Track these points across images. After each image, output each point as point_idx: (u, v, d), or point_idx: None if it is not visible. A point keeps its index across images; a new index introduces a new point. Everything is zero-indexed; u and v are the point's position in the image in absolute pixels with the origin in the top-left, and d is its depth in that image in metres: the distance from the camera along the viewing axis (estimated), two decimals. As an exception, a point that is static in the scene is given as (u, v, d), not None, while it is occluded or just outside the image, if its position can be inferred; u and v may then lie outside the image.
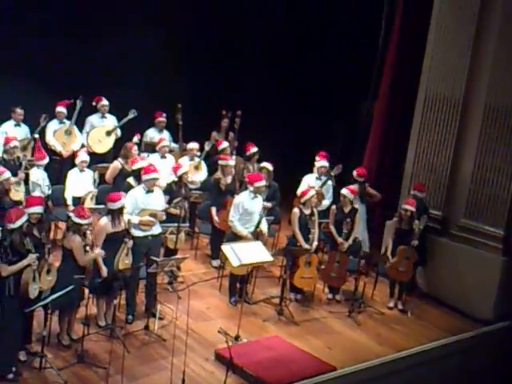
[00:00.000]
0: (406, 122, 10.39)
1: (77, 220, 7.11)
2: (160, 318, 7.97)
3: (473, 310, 9.24)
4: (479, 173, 9.54)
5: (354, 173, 9.92)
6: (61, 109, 10.21)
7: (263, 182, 8.83)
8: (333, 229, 9.17)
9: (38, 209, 6.93)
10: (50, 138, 10.19)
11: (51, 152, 10.00)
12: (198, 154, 10.46)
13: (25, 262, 6.50)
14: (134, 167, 8.91)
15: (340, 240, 9.03)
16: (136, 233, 7.94)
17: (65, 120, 10.27)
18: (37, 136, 10.00)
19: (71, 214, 7.20)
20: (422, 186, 9.63)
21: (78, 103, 10.11)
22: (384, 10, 12.05)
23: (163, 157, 10.13)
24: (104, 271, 7.40)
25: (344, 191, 9.17)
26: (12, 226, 6.51)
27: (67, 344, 7.28)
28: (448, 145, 9.85)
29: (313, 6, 12.34)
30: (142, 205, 8.08)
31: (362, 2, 11.84)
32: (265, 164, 9.85)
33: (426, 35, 9.99)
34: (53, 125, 10.26)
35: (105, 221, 7.59)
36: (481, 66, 9.51)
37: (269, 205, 9.55)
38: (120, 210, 7.68)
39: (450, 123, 9.82)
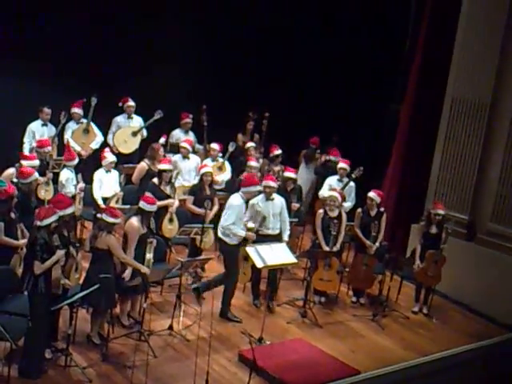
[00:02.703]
0: (432, 125, 10.32)
1: (111, 220, 7.18)
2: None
3: (499, 316, 9.15)
4: (506, 177, 9.46)
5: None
6: (76, 109, 10.23)
7: (256, 188, 8.43)
8: (359, 232, 9.14)
9: (70, 210, 7.03)
10: (68, 140, 10.22)
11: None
12: (220, 154, 10.49)
13: (55, 258, 6.58)
14: (159, 167, 8.98)
15: (368, 243, 9.00)
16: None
17: (82, 120, 10.31)
18: (66, 137, 10.09)
19: (104, 215, 7.25)
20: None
21: (93, 101, 10.11)
22: (411, 12, 12.01)
23: (185, 157, 10.17)
24: (145, 270, 7.38)
25: (371, 194, 9.13)
26: (39, 223, 6.59)
27: (98, 343, 7.31)
28: (475, 149, 9.77)
29: (340, 9, 12.28)
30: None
31: (389, 4, 11.77)
32: (288, 174, 9.76)
33: (453, 38, 9.93)
34: (70, 126, 10.32)
35: (136, 223, 7.58)
36: (509, 69, 9.43)
37: (296, 205, 9.56)
38: (151, 214, 7.73)
39: (476, 127, 9.75)
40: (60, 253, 6.62)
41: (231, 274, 8.24)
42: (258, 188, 8.41)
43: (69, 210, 6.98)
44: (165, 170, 9.01)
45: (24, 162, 8.44)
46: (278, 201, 8.71)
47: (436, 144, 10.25)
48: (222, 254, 8.62)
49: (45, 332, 6.68)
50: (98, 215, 7.50)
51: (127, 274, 7.46)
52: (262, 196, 8.68)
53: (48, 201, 8.33)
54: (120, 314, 7.81)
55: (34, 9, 10.15)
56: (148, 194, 8.82)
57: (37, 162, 8.62)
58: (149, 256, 7.45)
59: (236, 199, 8.23)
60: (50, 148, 9.18)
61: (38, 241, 6.51)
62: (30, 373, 6.59)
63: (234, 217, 8.15)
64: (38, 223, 6.59)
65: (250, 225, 8.32)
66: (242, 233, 8.25)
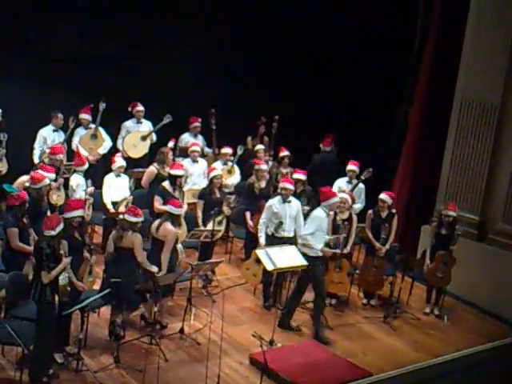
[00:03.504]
0: (442, 126, 10.29)
1: (133, 219, 7.38)
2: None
3: (511, 316, 9.09)
4: (517, 177, 9.42)
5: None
6: (84, 115, 10.24)
7: (335, 199, 8.38)
8: (369, 234, 9.12)
9: (80, 212, 7.09)
10: (75, 146, 10.21)
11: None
12: (232, 158, 10.52)
13: (61, 267, 6.59)
14: (172, 172, 8.99)
15: (378, 245, 8.98)
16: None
17: (90, 125, 10.33)
18: (74, 142, 10.13)
19: (126, 215, 7.44)
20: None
21: (101, 106, 10.15)
22: (420, 13, 11.98)
23: (195, 161, 10.19)
24: (155, 269, 7.52)
25: (382, 196, 9.11)
26: (53, 232, 6.59)
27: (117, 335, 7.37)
28: (485, 149, 9.75)
29: (348, 10, 12.27)
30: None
31: (397, 5, 11.75)
32: (297, 175, 9.76)
33: (462, 39, 9.91)
34: (79, 132, 10.33)
35: (172, 226, 7.78)
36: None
37: (306, 208, 9.55)
38: (180, 217, 7.94)
39: (486, 128, 9.72)
40: (66, 261, 6.64)
41: (319, 288, 8.27)
42: (337, 199, 8.41)
43: (78, 213, 7.02)
44: (178, 176, 9.03)
45: (41, 173, 8.45)
46: (295, 204, 8.79)
47: (446, 145, 10.22)
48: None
49: (52, 338, 6.68)
50: (120, 216, 7.65)
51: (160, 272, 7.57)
52: (278, 198, 8.75)
53: (60, 206, 8.40)
54: (150, 314, 7.80)
55: (43, 14, 10.23)
56: (156, 197, 8.91)
57: (53, 176, 8.58)
58: (180, 251, 7.99)
59: (320, 212, 8.19)
60: (62, 155, 9.18)
61: (44, 250, 6.51)
62: (39, 378, 6.60)
63: (313, 228, 8.12)
64: (52, 232, 6.59)
65: (328, 237, 8.35)
66: (318, 246, 8.24)
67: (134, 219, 7.40)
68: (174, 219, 7.86)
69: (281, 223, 8.61)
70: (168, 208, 7.89)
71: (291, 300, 8.39)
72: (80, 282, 7.03)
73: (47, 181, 8.17)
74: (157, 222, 7.91)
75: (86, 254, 7.18)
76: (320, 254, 8.17)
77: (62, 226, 6.70)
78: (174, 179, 9.03)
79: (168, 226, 7.76)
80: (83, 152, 10.09)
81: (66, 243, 6.80)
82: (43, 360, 6.64)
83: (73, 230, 6.98)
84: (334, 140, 11.71)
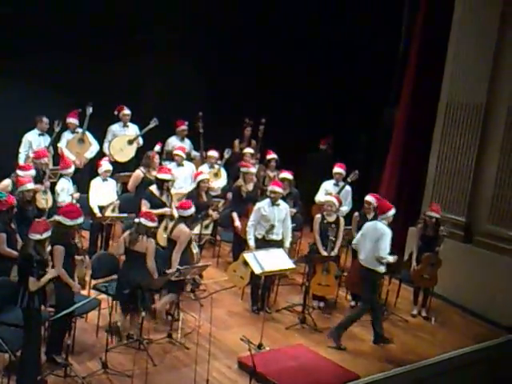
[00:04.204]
0: (428, 127, 10.34)
1: (150, 224, 7.60)
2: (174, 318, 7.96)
3: (498, 317, 9.15)
4: (502, 178, 9.48)
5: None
6: (71, 119, 10.23)
7: (392, 211, 8.30)
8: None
9: (82, 220, 7.10)
10: (63, 150, 10.20)
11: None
12: (218, 162, 10.51)
13: (49, 276, 6.57)
14: (160, 176, 8.98)
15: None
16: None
17: (78, 129, 10.30)
18: (59, 145, 10.07)
19: (142, 219, 7.59)
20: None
21: (88, 110, 10.13)
22: (405, 15, 12.05)
23: (180, 165, 10.17)
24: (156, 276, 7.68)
25: (369, 198, 9.11)
26: (39, 236, 6.53)
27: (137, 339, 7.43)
28: (470, 151, 9.80)
29: (335, 14, 12.31)
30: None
31: (383, 9, 11.81)
32: (284, 175, 9.82)
33: (447, 41, 9.96)
34: (65, 136, 10.31)
35: (186, 228, 7.98)
36: (503, 70, 9.46)
37: (293, 210, 9.58)
38: (191, 217, 8.06)
39: (472, 128, 9.78)
40: (52, 271, 6.63)
41: (374, 300, 8.28)
42: (393, 211, 8.32)
43: (79, 221, 7.02)
44: (165, 180, 9.02)
45: (20, 173, 8.44)
46: (283, 207, 8.86)
47: (432, 147, 10.27)
48: (364, 282, 8.29)
49: (39, 344, 6.64)
50: (136, 220, 7.78)
51: (171, 271, 7.69)
52: (267, 201, 8.79)
53: (49, 210, 8.37)
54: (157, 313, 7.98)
55: (29, 19, 10.19)
56: (144, 201, 8.90)
57: (33, 172, 8.63)
58: (196, 251, 8.15)
59: (384, 228, 8.10)
60: (46, 159, 9.17)
61: (33, 257, 6.45)
62: None
63: (387, 245, 8.06)
64: (38, 236, 6.53)
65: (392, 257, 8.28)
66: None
67: (150, 224, 7.60)
68: (188, 220, 8.02)
69: (272, 226, 8.68)
70: (179, 212, 8.10)
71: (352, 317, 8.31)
72: (77, 284, 7.00)
73: (31, 185, 8.13)
74: (171, 224, 8.21)
75: (84, 259, 7.26)
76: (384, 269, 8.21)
77: (49, 232, 6.64)
78: (161, 183, 9.02)
79: (182, 227, 7.97)
80: (70, 156, 10.07)
81: (63, 249, 6.79)
82: (31, 367, 6.57)
83: (72, 237, 7.02)
84: (329, 141, 11.86)
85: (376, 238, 8.05)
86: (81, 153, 10.28)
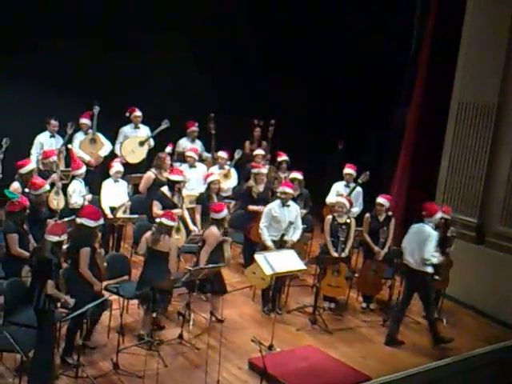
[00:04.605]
0: (440, 128, 10.30)
1: (171, 223, 7.74)
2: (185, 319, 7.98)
3: (510, 318, 9.10)
4: (515, 179, 9.42)
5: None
6: (84, 120, 10.29)
7: (439, 214, 8.41)
8: (367, 237, 9.12)
9: (102, 220, 7.31)
10: (76, 151, 10.21)
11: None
12: (228, 162, 10.52)
13: (65, 298, 6.67)
14: (171, 178, 9.00)
15: (377, 249, 8.98)
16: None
17: (89, 130, 10.36)
18: (70, 146, 10.12)
19: (163, 219, 7.72)
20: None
21: (96, 109, 10.15)
22: (416, 14, 12.01)
23: (192, 166, 10.19)
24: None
25: (381, 200, 9.09)
26: (58, 238, 6.63)
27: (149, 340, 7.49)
28: (483, 151, 9.74)
29: (345, 13, 12.29)
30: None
31: (394, 7, 11.77)
32: (295, 175, 9.84)
33: (458, 41, 9.91)
34: (78, 137, 10.36)
35: (216, 230, 8.12)
36: (516, 70, 9.41)
37: (303, 211, 9.58)
38: (224, 220, 8.19)
39: (484, 129, 9.71)
40: (68, 299, 6.71)
41: (430, 302, 8.36)
42: (440, 214, 8.42)
43: (100, 222, 7.18)
44: (177, 181, 9.04)
45: (22, 171, 8.48)
46: (294, 208, 8.90)
47: (443, 147, 10.23)
48: (416, 284, 8.34)
49: (52, 346, 6.69)
50: (158, 219, 7.89)
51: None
52: (277, 202, 8.84)
53: (61, 211, 8.41)
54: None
55: (39, 20, 10.25)
56: (155, 202, 8.92)
57: (33, 165, 8.69)
58: (227, 254, 8.25)
59: (431, 230, 8.19)
60: (55, 157, 9.20)
61: (52, 260, 6.52)
62: None
63: (434, 247, 8.17)
64: (50, 237, 6.60)
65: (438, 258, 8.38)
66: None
67: (171, 223, 7.74)
68: (219, 223, 8.12)
69: (283, 235, 8.76)
70: (212, 215, 8.19)
71: (428, 313, 8.41)
72: (98, 282, 7.13)
73: (47, 187, 8.18)
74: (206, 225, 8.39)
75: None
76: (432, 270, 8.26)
77: (66, 235, 6.78)
78: (172, 184, 9.04)
79: (212, 228, 8.13)
80: (85, 156, 10.13)
81: (89, 250, 7.00)
82: (42, 368, 6.59)
83: (97, 238, 7.19)
84: (342, 143, 11.91)
85: (422, 241, 8.12)
86: (94, 153, 10.33)
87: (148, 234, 7.85)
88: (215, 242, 8.10)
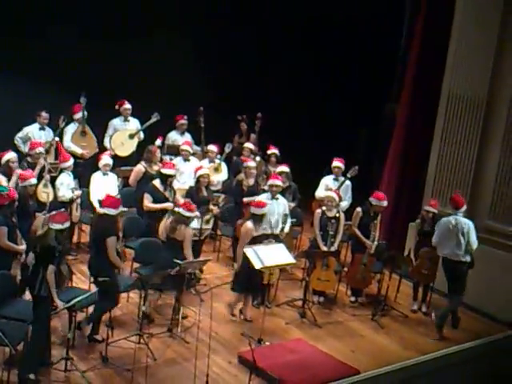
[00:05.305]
0: (429, 123, 10.32)
1: (187, 214, 7.94)
2: (183, 317, 8.00)
3: (498, 313, 9.16)
4: (503, 174, 9.47)
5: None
6: (79, 115, 10.22)
7: (465, 206, 8.80)
8: (358, 231, 9.14)
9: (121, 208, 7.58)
10: (68, 144, 10.18)
11: (73, 156, 10.03)
12: (218, 156, 10.51)
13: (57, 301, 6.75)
14: (164, 171, 8.97)
15: (369, 243, 9.00)
16: None
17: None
18: (57, 139, 10.05)
19: (181, 209, 7.96)
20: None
21: (83, 101, 10.05)
22: (406, 9, 12.03)
23: (186, 160, 10.17)
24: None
25: (375, 202, 9.07)
26: (60, 226, 6.80)
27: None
28: (471, 146, 9.78)
29: (335, 8, 12.28)
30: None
31: (384, 3, 11.79)
32: (282, 168, 9.84)
33: (448, 35, 9.93)
34: (69, 130, 10.29)
35: (250, 225, 8.18)
36: (505, 64, 9.43)
37: (292, 204, 9.59)
38: (262, 216, 8.24)
39: (473, 124, 9.75)
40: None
41: (461, 290, 8.66)
42: (465, 207, 8.75)
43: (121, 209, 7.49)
44: (169, 175, 9.02)
45: (4, 158, 8.50)
46: (282, 201, 8.99)
47: (433, 142, 10.26)
48: (453, 274, 8.70)
49: (45, 335, 6.73)
50: (176, 209, 8.11)
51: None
52: (266, 195, 8.88)
53: (50, 204, 8.37)
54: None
55: (33, 13, 10.18)
56: (146, 195, 8.89)
57: (14, 154, 8.66)
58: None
59: (469, 221, 8.63)
60: (41, 149, 9.11)
61: (55, 248, 6.67)
62: (28, 374, 6.55)
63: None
64: (53, 226, 6.73)
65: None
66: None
67: (187, 214, 7.95)
68: (256, 219, 8.17)
69: (286, 215, 8.94)
70: (252, 209, 8.24)
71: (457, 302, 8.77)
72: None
73: (33, 180, 8.13)
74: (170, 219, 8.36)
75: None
76: None
77: (69, 223, 7.02)
78: (165, 178, 9.02)
79: (247, 223, 8.24)
80: (77, 150, 10.08)
81: (115, 239, 7.30)
82: (34, 357, 6.63)
83: (118, 226, 7.55)
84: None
85: (466, 232, 8.53)
86: (86, 145, 10.27)
87: (168, 222, 8.11)
88: (249, 237, 8.14)
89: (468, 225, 8.60)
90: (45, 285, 6.58)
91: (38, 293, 6.59)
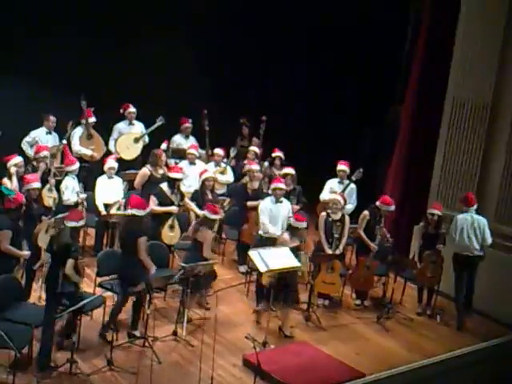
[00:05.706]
0: (434, 126, 10.31)
1: (212, 216, 8.09)
2: (188, 321, 8.00)
3: (504, 316, 9.12)
4: (509, 177, 9.45)
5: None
6: (93, 119, 10.29)
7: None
8: (363, 234, 9.12)
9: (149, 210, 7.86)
10: (78, 148, 10.22)
11: (79, 160, 10.06)
12: (224, 160, 10.52)
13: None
14: (171, 175, 8.98)
15: (373, 245, 8.99)
16: None
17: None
18: (64, 142, 10.08)
19: (206, 212, 8.11)
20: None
21: (82, 104, 10.09)
22: (411, 13, 12.01)
23: (192, 163, 10.18)
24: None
25: (383, 207, 9.05)
26: (75, 224, 6.99)
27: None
28: (476, 149, 9.77)
29: (339, 11, 12.29)
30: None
31: (388, 5, 11.77)
32: (287, 170, 9.85)
33: (453, 37, 9.92)
34: (77, 133, 10.32)
35: (287, 237, 8.31)
36: (509, 69, 9.42)
37: (296, 207, 9.59)
38: (298, 229, 8.34)
39: (478, 127, 9.74)
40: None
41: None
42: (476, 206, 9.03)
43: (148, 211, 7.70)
44: (177, 179, 9.04)
45: (10, 163, 8.53)
46: (286, 204, 9.01)
47: (437, 145, 10.24)
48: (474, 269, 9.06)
49: (53, 331, 6.90)
50: (200, 212, 8.24)
51: None
52: (270, 198, 8.93)
53: (56, 208, 8.40)
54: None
55: (37, 16, 10.23)
56: (153, 198, 8.92)
57: (19, 158, 8.66)
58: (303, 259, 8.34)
59: (481, 217, 8.97)
60: (46, 153, 9.13)
61: (71, 245, 6.86)
62: (48, 364, 6.80)
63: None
64: (69, 223, 6.92)
65: None
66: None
67: (212, 216, 8.09)
68: (296, 231, 8.31)
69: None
70: (293, 222, 8.39)
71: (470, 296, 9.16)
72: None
73: (35, 184, 8.14)
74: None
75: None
76: None
77: (84, 221, 7.22)
78: (173, 182, 9.03)
79: (285, 235, 8.36)
80: (87, 152, 10.11)
81: (146, 239, 7.49)
82: (46, 351, 6.79)
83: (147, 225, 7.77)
84: None
85: (481, 228, 8.88)
86: (96, 148, 10.30)
87: (194, 223, 8.39)
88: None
89: (483, 221, 8.89)
90: (61, 282, 6.71)
91: (53, 290, 6.72)
